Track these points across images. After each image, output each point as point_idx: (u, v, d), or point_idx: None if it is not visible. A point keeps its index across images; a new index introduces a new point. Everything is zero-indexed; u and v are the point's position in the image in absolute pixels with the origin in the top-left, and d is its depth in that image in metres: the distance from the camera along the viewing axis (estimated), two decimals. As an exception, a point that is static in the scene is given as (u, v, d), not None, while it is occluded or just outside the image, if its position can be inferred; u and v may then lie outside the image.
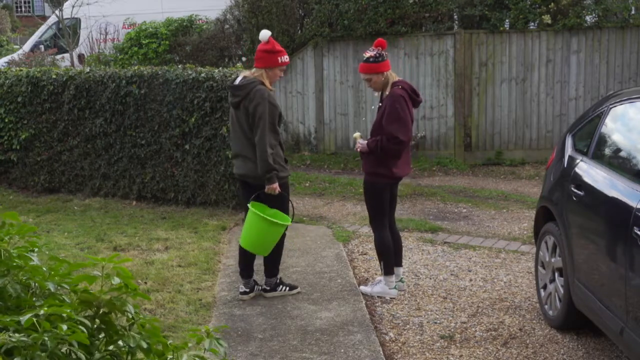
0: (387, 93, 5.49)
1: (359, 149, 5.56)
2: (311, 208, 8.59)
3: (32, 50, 15.13)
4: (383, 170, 5.47)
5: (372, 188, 5.59)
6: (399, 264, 5.81)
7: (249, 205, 5.29)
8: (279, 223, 5.27)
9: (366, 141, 5.49)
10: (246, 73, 5.54)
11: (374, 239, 5.72)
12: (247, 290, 5.56)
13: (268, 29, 11.42)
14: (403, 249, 6.01)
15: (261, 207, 5.35)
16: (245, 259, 5.55)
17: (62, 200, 8.83)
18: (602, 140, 4.77)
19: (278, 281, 5.65)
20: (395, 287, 5.67)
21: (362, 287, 5.77)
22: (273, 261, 5.61)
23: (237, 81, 5.48)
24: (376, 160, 5.47)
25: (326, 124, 11.58)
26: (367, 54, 5.63)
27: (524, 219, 7.99)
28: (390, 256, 5.64)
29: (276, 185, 5.29)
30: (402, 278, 5.81)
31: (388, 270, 5.64)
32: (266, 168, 5.24)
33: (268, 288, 5.62)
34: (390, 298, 5.60)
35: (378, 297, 5.60)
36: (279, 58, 5.40)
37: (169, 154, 8.27)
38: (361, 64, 5.68)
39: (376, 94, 5.79)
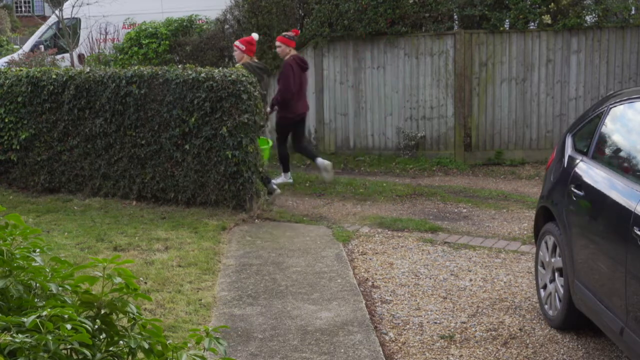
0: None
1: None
2: (311, 208, 8.59)
3: (32, 50, 15.11)
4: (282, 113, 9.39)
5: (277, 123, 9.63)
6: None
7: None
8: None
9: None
10: (251, 61, 8.97)
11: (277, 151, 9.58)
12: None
13: (268, 29, 12.26)
14: (402, 247, 6.46)
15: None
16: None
17: (62, 200, 8.83)
18: (602, 140, 4.78)
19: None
20: (290, 179, 9.57)
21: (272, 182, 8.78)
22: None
23: (259, 64, 9.14)
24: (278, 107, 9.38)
25: (326, 124, 11.59)
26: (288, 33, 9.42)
27: (524, 219, 8.00)
28: (284, 162, 9.53)
29: None
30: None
31: (284, 170, 9.59)
32: None
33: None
34: (284, 184, 9.28)
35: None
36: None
37: (169, 154, 8.27)
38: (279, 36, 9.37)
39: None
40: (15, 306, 2.15)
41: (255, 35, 9.16)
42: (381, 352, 4.59)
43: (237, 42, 9.22)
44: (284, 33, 9.62)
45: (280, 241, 7.12)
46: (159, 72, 8.28)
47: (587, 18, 11.02)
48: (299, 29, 11.71)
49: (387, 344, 4.78)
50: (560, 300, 4.88)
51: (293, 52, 9.28)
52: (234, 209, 7.96)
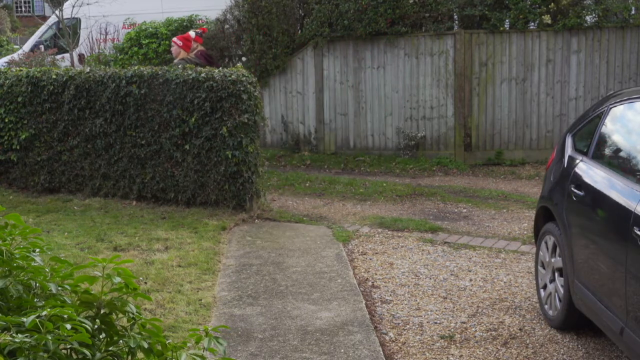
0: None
1: None
2: (311, 208, 8.59)
3: (32, 50, 15.11)
4: None
5: None
6: None
7: None
8: None
9: None
10: (188, 56, 9.62)
11: None
12: None
13: (268, 29, 12.37)
14: (402, 248, 6.42)
15: None
16: None
17: (62, 200, 8.82)
18: (602, 140, 4.78)
19: None
20: None
21: None
22: None
23: (196, 59, 9.58)
24: None
25: (326, 124, 11.59)
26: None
27: (524, 219, 8.00)
28: None
29: None
30: None
31: None
32: None
33: None
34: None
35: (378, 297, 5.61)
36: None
37: (169, 154, 8.27)
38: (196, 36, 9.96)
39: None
40: (15, 306, 2.15)
41: (192, 33, 10.09)
42: (381, 352, 4.59)
43: (174, 39, 9.99)
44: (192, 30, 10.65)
45: (280, 241, 7.12)
46: (159, 72, 8.28)
47: (587, 18, 11.01)
48: (299, 29, 11.72)
49: (387, 344, 4.78)
50: (560, 300, 4.88)
51: (200, 47, 10.09)
52: (234, 209, 7.96)
